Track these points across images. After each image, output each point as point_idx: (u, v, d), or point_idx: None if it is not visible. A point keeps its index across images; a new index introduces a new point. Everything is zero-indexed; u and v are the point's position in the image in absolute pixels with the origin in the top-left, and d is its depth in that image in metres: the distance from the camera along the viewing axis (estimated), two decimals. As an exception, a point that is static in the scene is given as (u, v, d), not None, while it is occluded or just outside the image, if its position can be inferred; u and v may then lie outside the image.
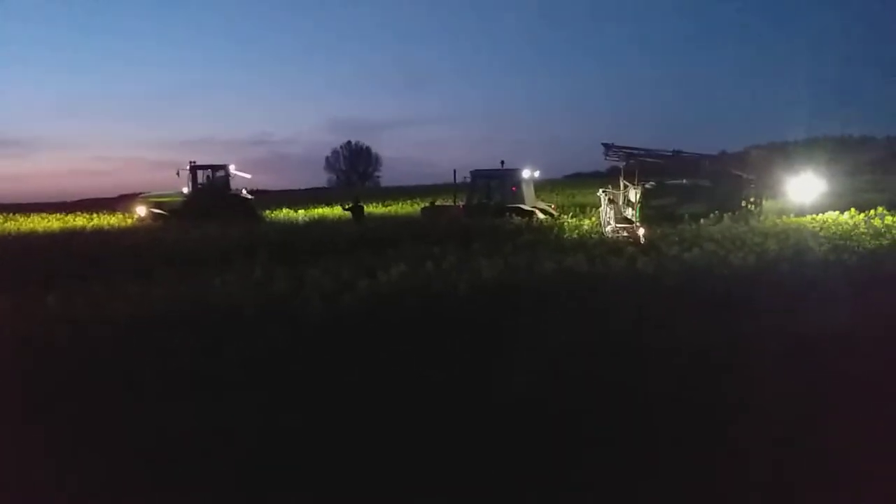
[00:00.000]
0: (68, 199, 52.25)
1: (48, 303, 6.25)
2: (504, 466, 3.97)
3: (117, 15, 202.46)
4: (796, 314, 5.69)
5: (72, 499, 3.83)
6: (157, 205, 25.23)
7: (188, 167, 25.75)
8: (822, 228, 12.67)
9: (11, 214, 29.35)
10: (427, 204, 25.68)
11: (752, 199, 18.49)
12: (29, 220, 27.01)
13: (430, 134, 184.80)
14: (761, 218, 16.73)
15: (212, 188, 26.07)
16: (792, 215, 16.40)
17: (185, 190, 25.73)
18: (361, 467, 4.05)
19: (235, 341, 5.23)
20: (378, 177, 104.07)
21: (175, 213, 24.05)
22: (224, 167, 26.50)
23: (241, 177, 26.94)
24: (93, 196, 45.00)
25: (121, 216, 27.13)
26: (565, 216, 20.85)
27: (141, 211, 25.27)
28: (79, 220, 26.07)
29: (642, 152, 19.60)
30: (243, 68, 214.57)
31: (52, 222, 25.43)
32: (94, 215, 28.35)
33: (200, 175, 26.02)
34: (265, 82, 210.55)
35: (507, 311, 5.90)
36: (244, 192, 26.75)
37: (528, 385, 4.72)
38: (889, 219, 13.18)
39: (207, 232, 15.17)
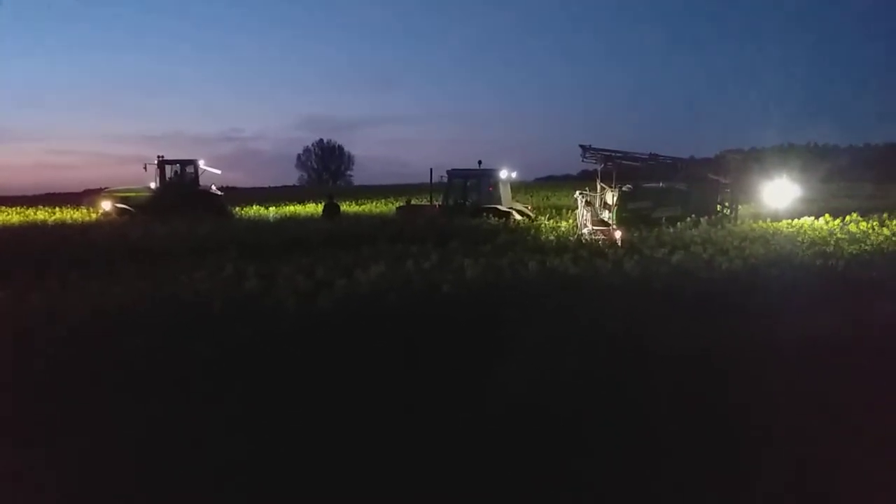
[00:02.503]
0: (30, 193, 50.89)
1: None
2: (494, 476, 3.70)
3: (84, 6, 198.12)
4: (797, 319, 5.53)
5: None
6: (123, 200, 24.49)
7: (156, 162, 25.10)
8: (798, 233, 12.67)
9: (-31, 208, 28.37)
10: (402, 203, 25.41)
11: (727, 204, 18.63)
12: (-14, 213, 26.09)
13: (402, 133, 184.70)
14: (737, 222, 16.82)
15: (180, 184, 25.43)
16: (768, 220, 16.47)
17: (153, 185, 25.07)
18: (335, 478, 3.74)
19: (198, 342, 4.85)
20: (350, 175, 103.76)
21: (141, 209, 23.39)
22: (193, 162, 25.89)
23: (210, 172, 26.39)
24: (56, 190, 43.74)
25: (85, 211, 26.32)
26: (542, 218, 20.73)
27: (106, 206, 24.50)
28: (40, 215, 25.22)
29: (619, 155, 19.60)
30: (212, 63, 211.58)
31: (11, 216, 24.55)
32: (57, 210, 27.50)
33: (169, 170, 25.38)
34: (235, 78, 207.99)
35: (495, 311, 5.62)
36: (213, 188, 26.18)
37: (519, 390, 4.45)
38: (864, 224, 13.28)
39: (175, 228, 14.65)
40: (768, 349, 4.99)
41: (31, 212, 26.64)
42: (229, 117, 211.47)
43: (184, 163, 25.86)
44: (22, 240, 12.96)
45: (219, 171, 27.08)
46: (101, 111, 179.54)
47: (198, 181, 25.77)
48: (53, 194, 42.86)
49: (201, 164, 25.93)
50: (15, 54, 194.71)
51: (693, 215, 15.35)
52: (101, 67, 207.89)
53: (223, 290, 6.12)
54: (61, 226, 18.17)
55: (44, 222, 19.98)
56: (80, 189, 32.71)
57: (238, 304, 5.68)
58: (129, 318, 5.33)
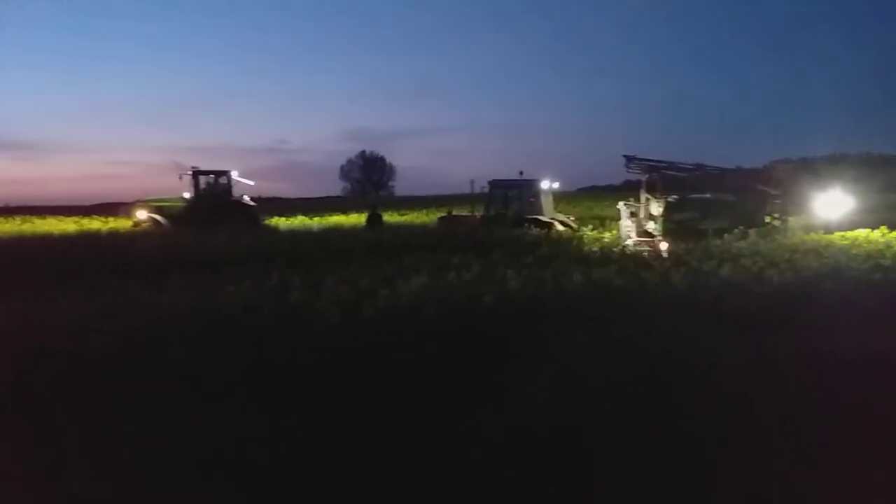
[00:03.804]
0: (85, 203, 52.63)
1: (57, 307, 6.01)
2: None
3: (134, 20, 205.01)
4: (852, 336, 5.31)
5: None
6: (157, 210, 25.06)
7: (190, 172, 25.71)
8: (853, 246, 12.23)
9: (28, 217, 29.53)
10: (443, 214, 25.48)
11: (776, 215, 18.13)
12: (45, 222, 27.10)
13: (443, 144, 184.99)
14: (788, 234, 16.35)
15: (213, 194, 25.99)
16: (820, 232, 15.96)
17: (187, 195, 25.65)
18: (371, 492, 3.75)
19: (246, 350, 4.94)
20: (392, 186, 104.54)
21: (175, 219, 23.94)
22: (226, 173, 26.44)
23: (243, 183, 26.92)
24: (110, 200, 45.12)
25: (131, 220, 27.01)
26: (585, 229, 20.51)
27: (140, 215, 25.11)
28: (94, 224, 26.09)
29: (664, 165, 19.32)
30: (260, 76, 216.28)
31: (68, 225, 25.44)
32: (110, 219, 28.38)
33: (202, 181, 25.96)
34: (281, 91, 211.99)
35: (539, 325, 5.57)
36: (245, 198, 26.66)
37: (562, 410, 4.38)
38: (924, 237, 12.75)
39: (223, 238, 14.96)
40: (818, 370, 4.77)
41: (86, 221, 27.58)
42: (276, 130, 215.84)
43: (217, 173, 26.45)
44: (77, 249, 13.43)
45: (252, 182, 27.66)
46: (155, 124, 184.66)
47: (231, 191, 26.30)
48: (108, 204, 44.14)
49: (234, 174, 26.50)
50: (67, 70, 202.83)
51: (741, 227, 14.97)
52: (151, 82, 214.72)
53: (269, 300, 6.23)
54: (114, 235, 18.77)
55: (98, 231, 20.67)
56: (132, 199, 33.63)
57: (283, 316, 5.76)
58: (176, 327, 5.45)
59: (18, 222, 26.80)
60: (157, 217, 24.46)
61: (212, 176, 26.28)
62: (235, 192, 26.50)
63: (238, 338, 5.15)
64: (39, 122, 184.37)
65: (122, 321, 5.44)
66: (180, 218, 23.80)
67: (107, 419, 4.29)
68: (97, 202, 51.26)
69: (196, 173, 25.79)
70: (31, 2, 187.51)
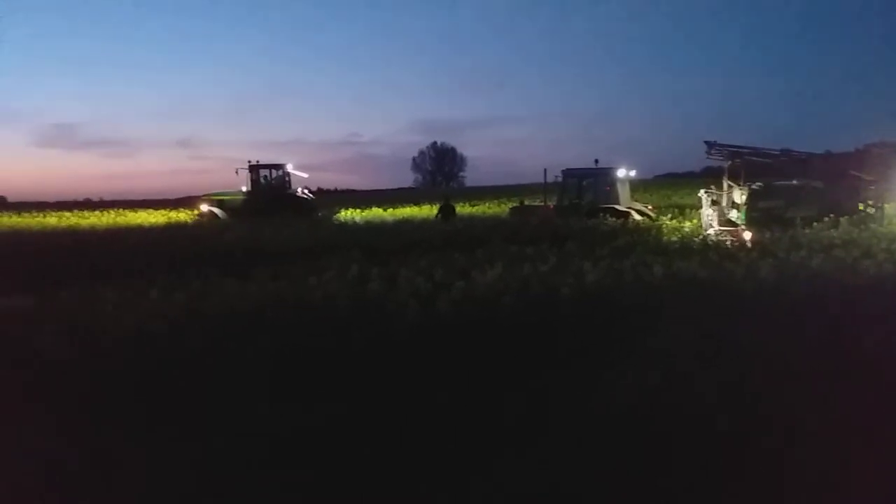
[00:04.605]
0: (172, 196, 55.37)
1: (151, 297, 6.33)
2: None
3: (214, 19, 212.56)
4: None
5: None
6: (218, 203, 26.15)
7: (248, 166, 26.64)
8: (959, 235, 11.37)
9: (122, 210, 31.27)
10: (516, 204, 25.34)
11: (871, 202, 17.10)
12: (137, 215, 28.66)
13: (514, 133, 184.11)
14: (884, 222, 15.39)
15: (270, 187, 26.89)
16: (922, 219, 14.96)
17: (244, 188, 26.60)
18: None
19: (329, 341, 5.06)
20: (463, 177, 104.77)
21: (234, 212, 24.93)
22: (282, 166, 27.28)
23: (297, 176, 27.66)
24: (194, 193, 47.45)
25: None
26: (664, 218, 19.93)
27: (203, 208, 26.32)
28: (181, 216, 27.41)
29: (748, 150, 18.56)
30: (331, 71, 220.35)
31: (158, 218, 26.83)
32: (193, 211, 29.69)
33: (260, 174, 26.84)
34: (353, 84, 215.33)
35: (621, 320, 5.44)
36: (300, 190, 27.37)
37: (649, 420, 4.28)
38: None
39: (300, 231, 15.39)
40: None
41: (173, 213, 29.03)
42: (348, 123, 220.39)
43: (274, 167, 27.33)
44: (167, 240, 14.13)
45: (306, 175, 28.54)
46: (234, 120, 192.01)
47: (288, 184, 27.10)
48: (192, 197, 46.42)
49: (289, 167, 27.28)
50: (161, 70, 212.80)
51: (831, 215, 14.21)
52: (229, 79, 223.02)
53: (349, 292, 6.35)
54: (199, 226, 19.66)
55: (185, 223, 21.68)
56: (201, 193, 35.28)
57: (362, 308, 5.85)
58: (262, 317, 5.65)
59: (113, 215, 28.43)
60: (216, 210, 25.59)
61: (268, 169, 27.19)
62: (291, 185, 27.29)
63: (324, 330, 5.28)
64: (129, 120, 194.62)
65: (212, 311, 5.68)
66: (239, 211, 24.81)
67: (202, 406, 4.50)
68: (183, 195, 53.82)
69: (253, 167, 26.76)
70: (116, 6, 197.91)
